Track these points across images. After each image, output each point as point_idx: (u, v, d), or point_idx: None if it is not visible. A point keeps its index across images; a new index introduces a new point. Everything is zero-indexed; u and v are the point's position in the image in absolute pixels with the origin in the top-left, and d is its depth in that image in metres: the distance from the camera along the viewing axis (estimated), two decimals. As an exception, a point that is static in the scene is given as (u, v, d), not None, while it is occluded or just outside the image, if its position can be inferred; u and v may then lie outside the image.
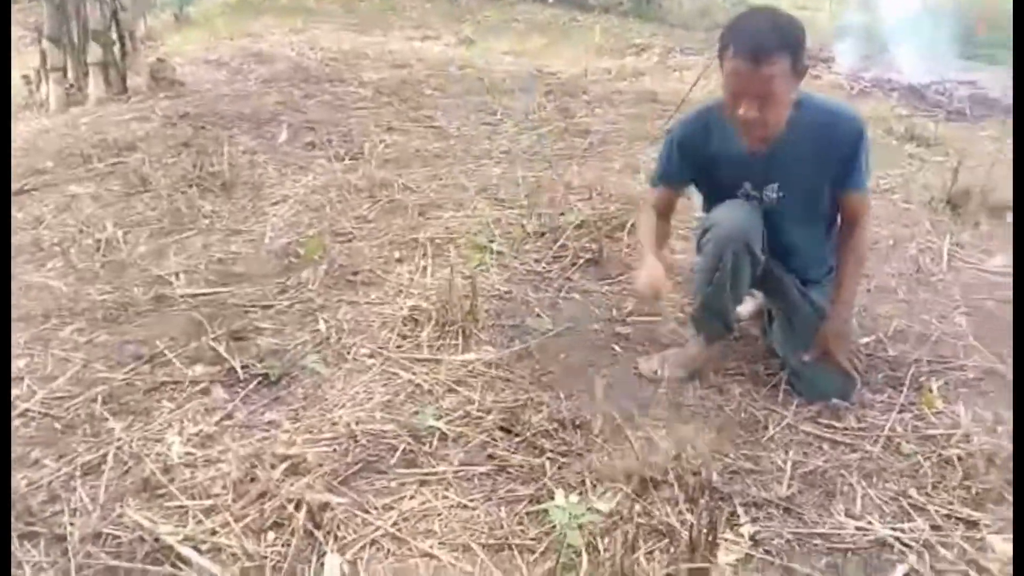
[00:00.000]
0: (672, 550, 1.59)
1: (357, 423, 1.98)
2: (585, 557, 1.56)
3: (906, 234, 3.24)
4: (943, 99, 5.82)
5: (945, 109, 5.53)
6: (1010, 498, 1.73)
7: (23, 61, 5.97)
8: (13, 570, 1.59)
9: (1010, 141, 4.63)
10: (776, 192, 2.09)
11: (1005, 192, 3.60)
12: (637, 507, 1.71)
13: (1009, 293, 2.82)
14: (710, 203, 2.21)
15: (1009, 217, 3.44)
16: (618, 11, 10.78)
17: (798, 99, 1.98)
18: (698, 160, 2.15)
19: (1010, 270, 3.00)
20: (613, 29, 8.58)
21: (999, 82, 6.70)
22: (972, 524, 1.69)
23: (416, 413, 2.03)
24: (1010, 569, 1.55)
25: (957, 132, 4.87)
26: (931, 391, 2.15)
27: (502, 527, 1.69)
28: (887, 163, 4.19)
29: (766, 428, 2.02)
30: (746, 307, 2.56)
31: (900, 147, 4.59)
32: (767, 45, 1.83)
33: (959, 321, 2.61)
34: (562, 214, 3.24)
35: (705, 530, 1.55)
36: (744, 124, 1.95)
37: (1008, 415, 2.02)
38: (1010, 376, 2.23)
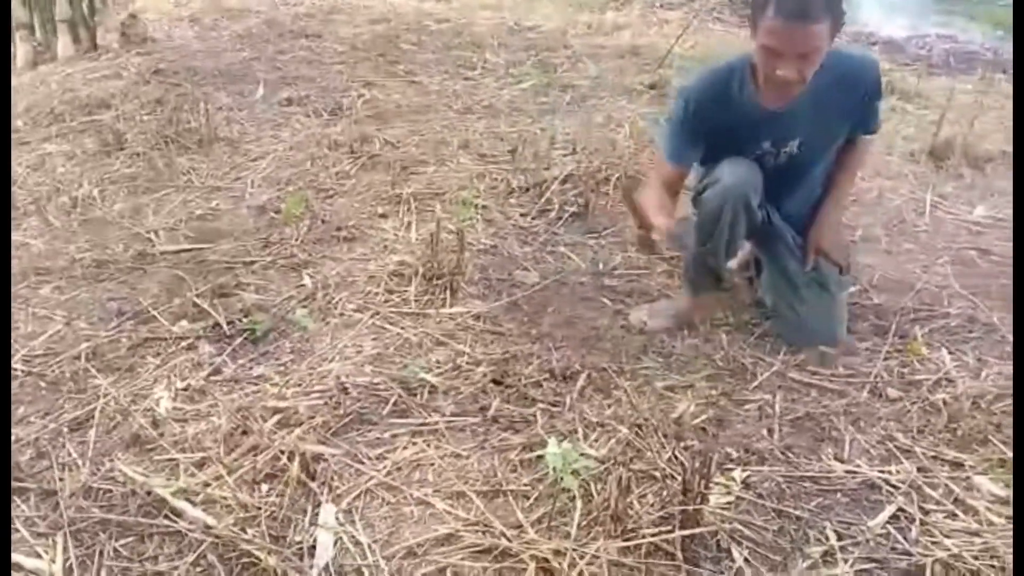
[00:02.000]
0: (664, 494, 1.60)
1: (347, 376, 1.97)
2: (580, 502, 1.58)
3: (889, 186, 3.25)
4: (923, 53, 5.81)
5: (926, 63, 5.53)
6: (994, 439, 1.77)
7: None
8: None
9: (992, 96, 4.66)
10: (796, 148, 2.07)
11: (987, 144, 3.63)
12: (629, 453, 1.72)
13: (992, 241, 2.86)
14: (712, 160, 2.11)
15: (990, 168, 3.47)
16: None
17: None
18: (715, 124, 2.05)
19: (991, 219, 3.04)
20: (592, -16, 8.46)
21: (978, 37, 6.72)
22: (958, 465, 1.73)
23: (406, 366, 2.03)
24: (998, 508, 1.59)
25: (938, 85, 4.87)
26: (916, 338, 2.17)
27: (496, 475, 1.70)
28: (869, 116, 4.20)
29: (754, 376, 2.03)
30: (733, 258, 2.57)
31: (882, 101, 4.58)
32: (813, 4, 1.78)
33: (942, 270, 2.64)
34: (546, 168, 3.21)
35: (697, 474, 1.57)
36: (780, 85, 1.91)
37: (992, 360, 2.05)
38: (993, 321, 2.26)
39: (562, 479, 1.59)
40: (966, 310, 2.34)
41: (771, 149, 2.08)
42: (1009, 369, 1.95)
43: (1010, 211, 3.05)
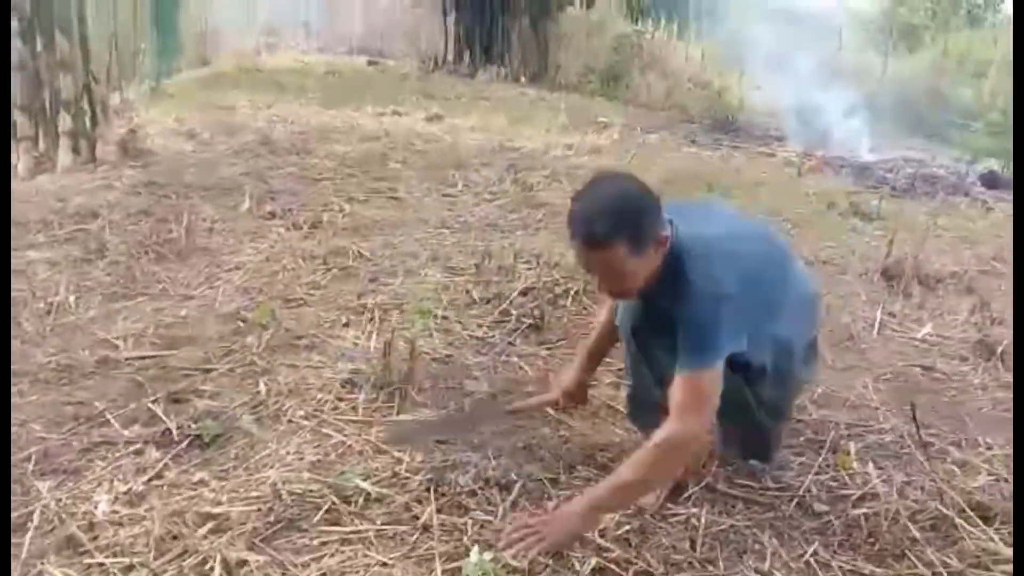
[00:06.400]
0: (580, 605, 1.63)
1: (284, 483, 2.01)
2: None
3: (839, 303, 3.35)
4: (890, 176, 6.05)
5: (891, 185, 5.76)
6: (910, 554, 1.80)
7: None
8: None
9: (950, 219, 4.83)
10: None
11: (938, 265, 3.76)
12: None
13: (936, 359, 2.94)
14: None
15: (940, 289, 3.59)
16: (587, 90, 11.19)
17: (677, 258, 1.81)
18: None
19: (937, 338, 3.12)
20: (579, 108, 8.87)
21: (947, 161, 7.00)
22: (873, 580, 1.75)
23: (342, 473, 2.07)
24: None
25: (899, 208, 5.06)
26: (847, 453, 2.22)
27: (418, 584, 1.72)
28: (828, 236, 4.36)
29: (684, 488, 2.07)
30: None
31: (844, 222, 4.77)
32: (596, 232, 1.72)
33: (885, 387, 2.71)
34: (510, 281, 3.33)
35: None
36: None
37: (917, 477, 2.10)
38: (926, 439, 2.31)
39: (476, 588, 1.62)
40: (901, 426, 2.40)
41: None
42: (930, 485, 1.99)
43: (954, 330, 3.15)
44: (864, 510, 1.95)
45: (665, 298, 1.84)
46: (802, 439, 2.34)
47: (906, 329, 3.20)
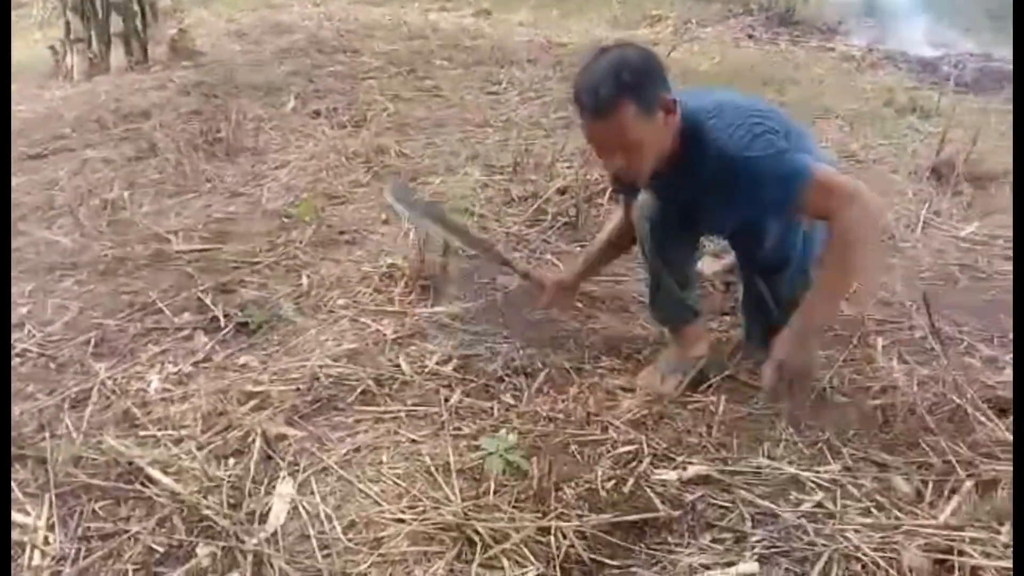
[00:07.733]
0: (596, 479, 1.72)
1: (322, 366, 2.13)
2: (514, 485, 1.70)
3: (886, 202, 3.28)
4: (954, 72, 5.78)
5: (956, 81, 5.50)
6: (924, 443, 1.83)
7: (53, 33, 6.19)
8: None
9: (1008, 115, 4.62)
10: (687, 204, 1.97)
11: (992, 162, 3.63)
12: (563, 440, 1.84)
13: (977, 258, 2.89)
14: None
15: (992, 188, 3.48)
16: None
17: (693, 127, 1.80)
18: None
19: (983, 236, 3.06)
20: (633, 1, 8.57)
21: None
22: (883, 467, 1.79)
23: (378, 359, 2.18)
24: (907, 507, 1.66)
25: (960, 105, 4.85)
26: (873, 348, 2.23)
27: (443, 459, 1.83)
28: (882, 134, 4.23)
29: (707, 377, 2.12)
30: (711, 265, 2.66)
31: (900, 119, 4.61)
32: (602, 96, 1.70)
33: (920, 285, 2.68)
34: (549, 180, 3.35)
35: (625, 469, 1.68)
36: (617, 175, 2.01)
37: (940, 372, 2.10)
38: (955, 335, 2.31)
39: (493, 463, 1.72)
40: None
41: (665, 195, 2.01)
42: (951, 379, 2.00)
43: (1002, 229, 3.07)
44: (880, 401, 1.98)
45: (688, 177, 1.83)
46: (830, 334, 2.35)
47: (951, 228, 3.13)
